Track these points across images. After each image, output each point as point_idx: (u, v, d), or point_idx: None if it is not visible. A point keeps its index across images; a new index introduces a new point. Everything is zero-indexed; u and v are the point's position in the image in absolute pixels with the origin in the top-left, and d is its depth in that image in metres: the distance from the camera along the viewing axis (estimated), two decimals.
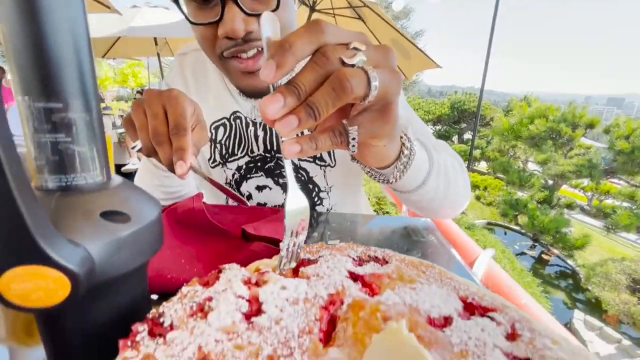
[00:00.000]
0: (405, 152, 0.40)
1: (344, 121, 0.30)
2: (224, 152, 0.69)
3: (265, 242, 0.46)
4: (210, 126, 0.68)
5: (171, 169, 0.41)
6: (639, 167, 3.88)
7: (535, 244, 4.55)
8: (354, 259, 0.32)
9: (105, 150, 0.25)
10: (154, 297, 0.40)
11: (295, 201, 0.29)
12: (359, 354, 0.21)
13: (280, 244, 0.29)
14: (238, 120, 0.68)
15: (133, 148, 0.45)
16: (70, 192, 0.23)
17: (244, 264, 0.44)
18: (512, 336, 0.23)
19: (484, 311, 0.26)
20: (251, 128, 0.67)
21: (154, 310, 0.24)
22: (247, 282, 0.27)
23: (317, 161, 0.68)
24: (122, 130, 4.02)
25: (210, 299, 0.25)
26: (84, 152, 0.23)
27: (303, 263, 0.31)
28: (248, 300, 0.25)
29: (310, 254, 0.33)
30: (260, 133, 0.67)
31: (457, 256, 0.54)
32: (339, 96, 0.25)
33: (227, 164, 0.70)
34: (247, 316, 0.23)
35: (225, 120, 0.68)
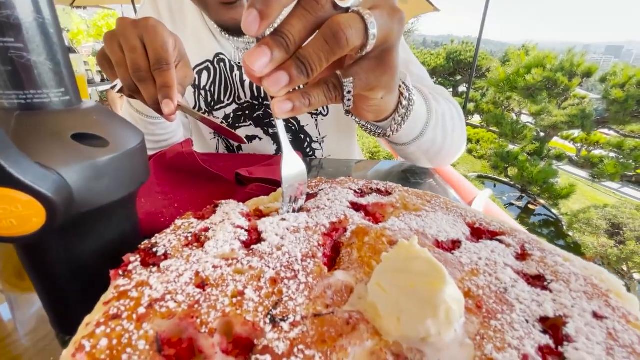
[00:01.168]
0: (404, 102, 0.36)
1: (338, 72, 0.26)
2: (209, 99, 0.64)
3: (260, 183, 0.44)
4: (194, 69, 0.62)
5: (157, 109, 0.36)
6: (631, 117, 3.88)
7: (523, 194, 4.69)
8: (355, 191, 0.30)
9: (69, 66, 0.21)
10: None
11: (292, 165, 0.26)
12: (365, 275, 0.20)
13: (279, 211, 0.27)
14: (222, 64, 0.61)
15: (113, 88, 0.40)
16: (33, 111, 0.20)
17: None
18: (522, 256, 0.23)
19: (492, 235, 0.25)
20: (236, 72, 0.61)
21: (146, 242, 0.22)
22: (245, 216, 0.26)
23: None
24: (103, 88, 3.76)
25: (206, 229, 0.23)
26: (41, 64, 0.19)
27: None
28: (247, 230, 0.23)
29: (310, 187, 0.31)
30: (247, 78, 0.62)
31: (457, 196, 0.54)
32: (333, 50, 0.22)
33: (214, 112, 0.64)
34: (247, 244, 0.22)
35: (208, 63, 0.62)
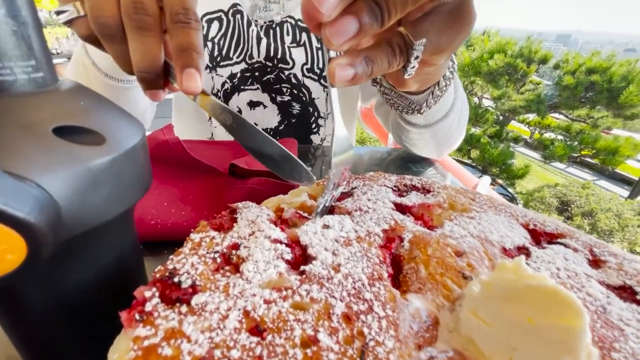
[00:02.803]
0: (447, 73, 0.32)
1: (403, 31, 0.20)
2: (215, 53, 0.54)
3: (262, 177, 0.39)
4: (202, 18, 0.52)
5: (148, 78, 0.23)
6: (579, 102, 4.20)
7: (483, 175, 4.98)
8: (392, 188, 0.27)
9: (40, 31, 0.15)
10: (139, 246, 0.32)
11: (341, 143, 0.21)
12: (445, 299, 0.17)
13: (318, 199, 0.22)
14: (238, 16, 0.53)
15: (58, 14, 0.24)
16: None
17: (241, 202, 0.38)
18: (595, 263, 0.21)
19: (550, 238, 0.23)
20: (253, 28, 0.53)
21: (160, 268, 0.17)
22: (275, 223, 0.21)
23: (321, 80, 0.56)
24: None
25: (236, 246, 0.19)
26: (0, 22, 0.13)
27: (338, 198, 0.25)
28: (288, 245, 0.19)
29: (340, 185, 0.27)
30: (263, 37, 0.53)
31: (460, 183, 0.52)
32: None
33: (218, 68, 0.55)
34: (294, 265, 0.18)
35: (221, 13, 0.53)
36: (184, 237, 0.31)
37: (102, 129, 0.16)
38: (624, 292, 0.18)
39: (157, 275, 0.16)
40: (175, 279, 0.16)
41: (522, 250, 0.21)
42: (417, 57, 0.21)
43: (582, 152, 4.44)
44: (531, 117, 5.04)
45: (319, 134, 0.62)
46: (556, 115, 5.08)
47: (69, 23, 0.24)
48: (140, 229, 0.32)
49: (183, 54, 0.21)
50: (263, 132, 0.24)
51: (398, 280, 0.18)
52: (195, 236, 0.19)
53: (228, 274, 0.17)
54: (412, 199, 0.25)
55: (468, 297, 0.15)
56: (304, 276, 0.17)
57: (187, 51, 0.21)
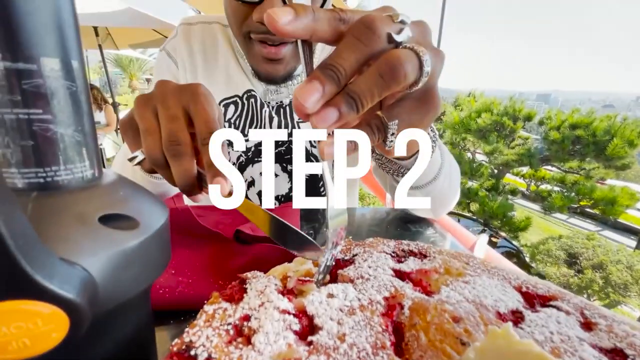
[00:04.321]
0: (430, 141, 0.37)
1: (380, 114, 0.25)
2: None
3: (266, 243, 0.41)
4: (220, 103, 0.60)
5: (188, 189, 0.30)
6: (568, 155, 4.36)
7: (485, 228, 4.93)
8: (391, 255, 0.28)
9: (95, 136, 0.18)
10: None
11: (338, 207, 0.24)
12: None
13: (320, 259, 0.24)
14: (252, 100, 0.61)
15: (131, 160, 0.32)
16: (52, 191, 0.16)
17: (246, 270, 0.39)
18: (586, 325, 0.22)
19: (543, 300, 0.24)
20: (266, 109, 0.61)
21: (177, 341, 0.18)
22: (282, 293, 0.23)
23: None
24: None
25: (247, 317, 0.20)
26: (68, 137, 0.16)
27: (339, 265, 0.27)
28: (296, 315, 0.20)
29: (342, 252, 0.29)
30: (275, 116, 0.61)
31: (458, 243, 0.54)
32: (388, 85, 0.21)
33: (234, 145, 0.63)
34: (302, 335, 0.19)
35: (237, 98, 0.61)
36: (191, 305, 0.32)
37: (136, 214, 0.18)
38: (616, 355, 0.19)
39: (175, 349, 0.18)
40: (192, 352, 0.17)
41: (516, 314, 0.22)
42: (392, 134, 0.25)
43: (581, 203, 4.46)
44: (525, 169, 5.19)
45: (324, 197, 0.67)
46: (549, 167, 5.23)
47: (139, 164, 0.32)
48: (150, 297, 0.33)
49: (212, 167, 0.27)
50: (296, 228, 0.27)
51: (401, 348, 0.19)
52: (208, 308, 0.21)
53: (241, 345, 0.18)
54: (410, 265, 0.27)
55: None
56: (311, 347, 0.18)
57: (213, 165, 0.28)
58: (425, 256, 0.29)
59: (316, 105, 0.20)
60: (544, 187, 5.15)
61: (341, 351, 0.17)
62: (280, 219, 0.28)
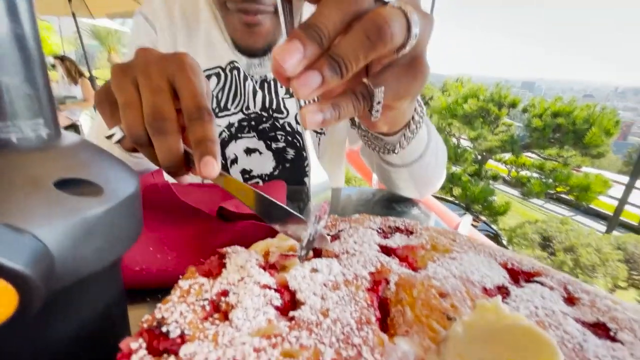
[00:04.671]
0: (416, 117, 0.35)
1: (366, 81, 0.23)
2: (214, 105, 0.58)
3: (251, 220, 0.39)
4: None
5: (173, 170, 0.27)
6: (548, 142, 4.48)
7: (466, 212, 5.08)
8: (377, 230, 0.28)
9: (49, 90, 0.16)
10: None
11: (319, 179, 0.23)
12: (431, 341, 0.17)
13: (302, 233, 0.23)
14: (235, 72, 0.58)
15: (109, 138, 0.29)
16: (1, 151, 0.14)
17: (228, 246, 0.38)
18: (569, 300, 0.22)
19: (527, 276, 0.24)
20: (249, 83, 0.58)
21: (148, 317, 0.17)
22: (264, 268, 0.22)
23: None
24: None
25: (225, 293, 0.19)
26: (15, 88, 0.14)
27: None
28: (277, 290, 0.19)
29: (327, 228, 0.28)
30: (259, 90, 0.58)
31: (443, 223, 0.54)
32: (375, 46, 0.19)
33: (216, 119, 0.59)
34: (283, 311, 0.18)
35: (219, 69, 0.58)
36: (170, 284, 0.30)
37: (99, 180, 0.16)
38: (599, 329, 0.19)
39: (145, 325, 0.16)
40: (164, 329, 0.16)
41: (502, 289, 0.22)
42: (379, 102, 0.24)
43: (557, 189, 4.63)
44: (507, 156, 5.32)
45: (310, 177, 0.66)
46: (529, 154, 5.38)
47: (118, 142, 0.29)
48: (124, 275, 0.31)
49: (199, 145, 0.25)
50: (283, 206, 0.25)
51: (386, 323, 0.19)
52: (183, 283, 0.20)
53: (217, 321, 0.17)
54: (397, 241, 0.26)
55: (453, 340, 0.16)
56: (293, 322, 0.17)
57: (202, 142, 0.25)
58: (411, 232, 0.28)
59: (297, 68, 0.19)
60: (524, 173, 5.31)
61: (324, 327, 0.17)
62: (265, 195, 0.26)
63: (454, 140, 5.80)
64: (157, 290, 0.30)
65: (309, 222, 0.23)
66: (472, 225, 5.02)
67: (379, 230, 0.28)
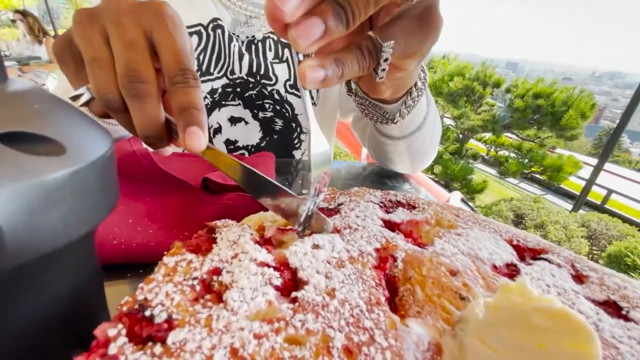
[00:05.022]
0: (419, 84, 0.33)
1: (372, 34, 0.21)
2: (195, 68, 0.53)
3: (239, 192, 0.37)
4: None
5: (152, 140, 0.23)
6: (528, 123, 4.60)
7: (446, 189, 5.22)
8: (379, 204, 0.26)
9: None
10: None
11: (321, 147, 0.20)
12: (445, 323, 0.16)
13: (300, 207, 0.21)
14: (219, 31, 0.51)
15: (74, 100, 0.24)
16: None
17: (217, 220, 0.35)
18: (578, 278, 0.21)
19: (533, 253, 0.23)
20: (235, 43, 0.52)
21: (128, 299, 0.15)
22: (259, 244, 0.20)
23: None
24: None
25: (217, 271, 0.16)
26: None
27: (324, 214, 0.24)
28: (276, 268, 0.17)
29: (325, 201, 0.26)
30: (245, 53, 0.53)
31: (434, 198, 0.53)
32: None
33: None
34: (284, 291, 0.16)
35: (201, 27, 0.51)
36: (151, 259, 0.28)
37: (61, 137, 0.13)
38: (609, 307, 0.19)
39: (124, 309, 0.14)
40: (147, 313, 0.14)
41: (511, 267, 0.21)
42: (386, 60, 0.21)
43: (532, 169, 4.82)
44: (487, 135, 5.43)
45: (300, 149, 0.62)
46: (509, 134, 5.51)
47: (85, 105, 0.24)
48: (100, 250, 0.28)
49: (184, 114, 0.21)
50: (273, 181, 0.22)
51: (394, 303, 0.17)
52: (169, 260, 0.17)
53: (210, 304, 0.15)
54: (400, 216, 0.24)
55: (473, 322, 0.14)
56: (296, 304, 0.15)
57: (187, 110, 0.21)
58: (414, 207, 0.27)
59: (296, 12, 0.16)
60: (502, 153, 5.46)
61: (332, 309, 0.15)
62: (252, 169, 0.23)
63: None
64: (137, 265, 0.28)
65: (308, 195, 0.20)
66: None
67: (381, 204, 0.26)
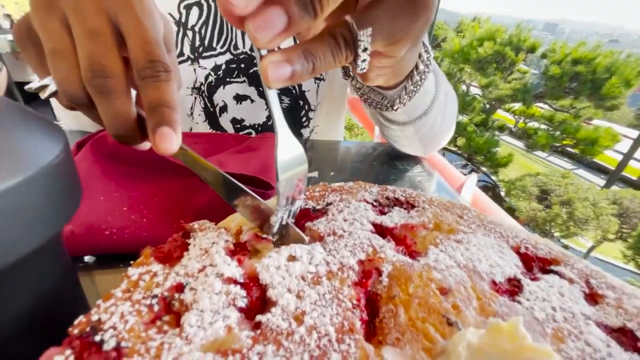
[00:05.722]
0: (420, 66, 0.29)
1: (349, 19, 0.18)
2: (197, 42, 0.50)
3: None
4: (179, 4, 0.48)
5: (124, 139, 0.21)
6: (563, 92, 4.26)
7: (468, 163, 5.05)
8: (372, 204, 0.24)
9: None
10: (90, 259, 0.29)
11: (289, 153, 0.18)
12: (427, 354, 0.14)
13: (272, 218, 0.19)
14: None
15: (39, 91, 0.22)
16: None
17: (211, 209, 0.34)
18: (592, 297, 0.19)
19: (543, 264, 0.21)
20: None
21: (82, 319, 0.14)
22: (233, 252, 0.18)
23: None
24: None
25: (180, 287, 0.15)
26: None
27: (309, 216, 0.22)
28: (244, 285, 0.16)
29: (314, 200, 0.24)
30: None
31: (445, 183, 0.50)
32: None
33: (201, 60, 0.51)
34: (249, 312, 0.15)
35: None
36: (144, 248, 0.27)
37: (3, 146, 0.12)
38: (624, 335, 0.16)
39: (75, 331, 0.13)
40: (97, 337, 0.13)
41: (514, 282, 0.19)
42: (365, 50, 0.18)
43: (564, 142, 4.54)
44: (517, 106, 5.10)
45: (308, 127, 0.59)
46: (541, 104, 5.16)
47: (54, 96, 0.22)
48: (92, 240, 0.28)
49: (154, 112, 0.19)
50: (246, 189, 0.20)
51: (373, 324, 0.16)
52: (133, 272, 0.16)
53: (166, 327, 0.14)
54: (394, 218, 0.22)
55: (453, 359, 0.12)
56: (258, 332, 0.14)
57: (157, 108, 0.19)
58: (413, 206, 0.24)
59: (250, 3, 0.14)
60: (532, 124, 5.16)
61: (296, 338, 0.13)
62: (227, 175, 0.21)
63: (464, 87, 5.52)
64: (131, 256, 0.28)
65: (278, 206, 0.19)
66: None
67: (375, 204, 0.24)
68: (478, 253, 0.20)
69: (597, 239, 3.20)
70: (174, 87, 0.20)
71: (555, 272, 0.20)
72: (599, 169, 5.66)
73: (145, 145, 0.24)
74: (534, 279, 0.19)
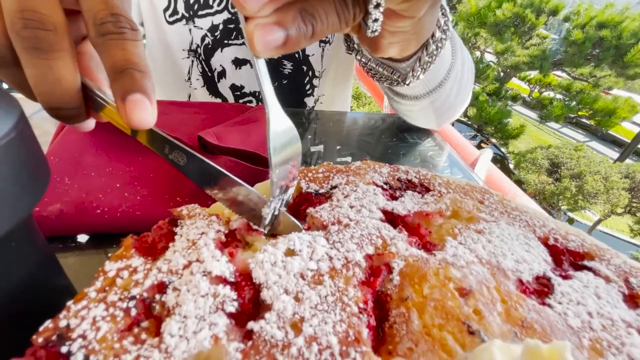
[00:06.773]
0: (437, 34, 0.25)
1: None
2: (191, 0, 0.46)
3: (232, 157, 0.33)
4: None
5: (63, 113, 0.16)
6: (584, 59, 4.02)
7: (477, 134, 4.93)
8: (382, 187, 0.21)
9: None
10: (84, 238, 0.27)
11: (281, 136, 0.15)
12: None
13: (263, 209, 0.17)
14: None
15: None
16: None
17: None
18: (632, 299, 0.16)
19: (574, 258, 0.19)
20: None
21: (49, 324, 0.12)
22: (225, 244, 0.16)
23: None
24: None
25: (162, 287, 0.13)
26: None
27: (311, 200, 0.20)
28: (234, 285, 0.14)
29: (317, 183, 0.21)
30: None
31: (458, 158, 0.47)
32: None
33: (196, 19, 0.47)
34: (240, 319, 0.13)
35: None
36: (137, 228, 0.24)
37: None
38: None
39: (40, 340, 0.11)
40: (64, 348, 0.11)
41: (543, 281, 0.17)
42: (377, 5, 0.15)
43: (580, 113, 4.37)
44: (533, 74, 4.86)
45: (313, 96, 0.55)
46: (558, 73, 4.90)
47: None
48: (82, 219, 0.27)
49: (121, 76, 0.15)
50: (225, 172, 0.17)
51: (382, 330, 0.14)
52: (110, 267, 0.14)
53: (144, 335, 0.12)
54: (407, 205, 0.20)
55: None
56: (249, 343, 0.12)
57: (126, 71, 0.15)
58: (427, 189, 0.22)
59: None
60: (547, 94, 4.94)
61: (293, 351, 0.11)
62: (201, 157, 0.17)
63: (478, 53, 5.24)
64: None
65: (271, 196, 0.16)
66: (481, 146, 4.92)
67: (385, 187, 0.21)
68: (502, 246, 0.18)
69: (605, 212, 3.16)
70: (143, 49, 0.16)
71: (589, 269, 0.18)
72: (614, 141, 5.48)
73: (89, 125, 0.19)
74: (566, 277, 0.17)
